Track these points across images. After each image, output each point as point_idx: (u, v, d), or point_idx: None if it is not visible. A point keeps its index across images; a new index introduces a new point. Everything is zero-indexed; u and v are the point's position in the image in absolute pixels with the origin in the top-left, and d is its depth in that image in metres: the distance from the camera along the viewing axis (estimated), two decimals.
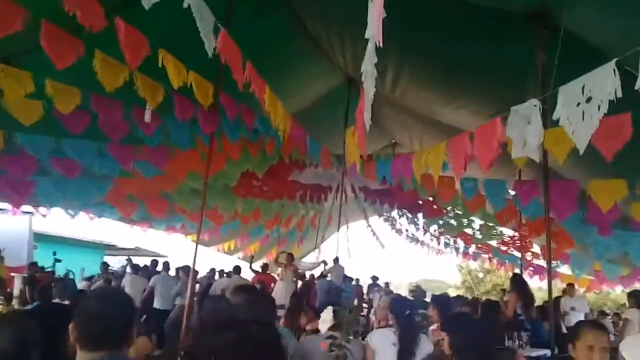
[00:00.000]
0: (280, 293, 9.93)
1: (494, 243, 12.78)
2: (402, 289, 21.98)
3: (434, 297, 6.39)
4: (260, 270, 13.10)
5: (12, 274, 10.25)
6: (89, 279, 12.63)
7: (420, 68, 7.12)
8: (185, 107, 5.10)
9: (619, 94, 2.00)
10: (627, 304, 9.29)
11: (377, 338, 4.13)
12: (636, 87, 1.96)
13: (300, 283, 11.01)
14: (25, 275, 9.47)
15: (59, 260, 10.52)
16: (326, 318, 4.00)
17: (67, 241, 17.99)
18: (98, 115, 5.21)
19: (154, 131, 5.79)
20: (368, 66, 1.96)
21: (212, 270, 14.19)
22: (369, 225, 16.71)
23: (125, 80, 4.28)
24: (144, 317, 10.17)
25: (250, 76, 3.72)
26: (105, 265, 12.85)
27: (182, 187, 9.49)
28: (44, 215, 10.88)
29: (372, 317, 10.39)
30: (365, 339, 4.33)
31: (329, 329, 3.87)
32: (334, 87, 9.10)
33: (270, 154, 7.47)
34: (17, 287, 9.11)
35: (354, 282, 15.11)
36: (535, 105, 2.41)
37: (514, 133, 2.48)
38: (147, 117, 4.80)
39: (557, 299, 10.76)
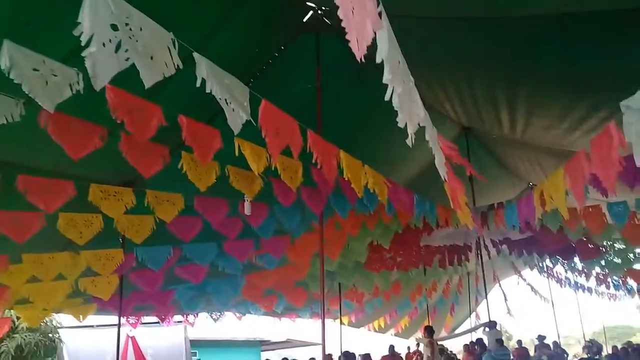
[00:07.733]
0: None
1: None
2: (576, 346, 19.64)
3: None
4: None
5: None
6: None
7: (535, 94, 6.43)
8: (285, 191, 4.95)
9: None
10: None
11: None
12: None
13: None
14: None
15: None
16: None
17: (223, 343, 18.46)
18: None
19: (263, 222, 5.71)
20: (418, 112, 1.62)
21: None
22: (523, 279, 15.39)
23: (217, 174, 4.26)
24: None
25: (316, 144, 3.46)
26: None
27: (314, 272, 9.34)
28: (191, 324, 11.26)
29: None
30: None
31: None
32: (450, 140, 8.58)
33: (388, 222, 7.07)
34: None
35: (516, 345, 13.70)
36: None
37: (632, 134, 1.93)
38: (247, 209, 4.72)
39: None
